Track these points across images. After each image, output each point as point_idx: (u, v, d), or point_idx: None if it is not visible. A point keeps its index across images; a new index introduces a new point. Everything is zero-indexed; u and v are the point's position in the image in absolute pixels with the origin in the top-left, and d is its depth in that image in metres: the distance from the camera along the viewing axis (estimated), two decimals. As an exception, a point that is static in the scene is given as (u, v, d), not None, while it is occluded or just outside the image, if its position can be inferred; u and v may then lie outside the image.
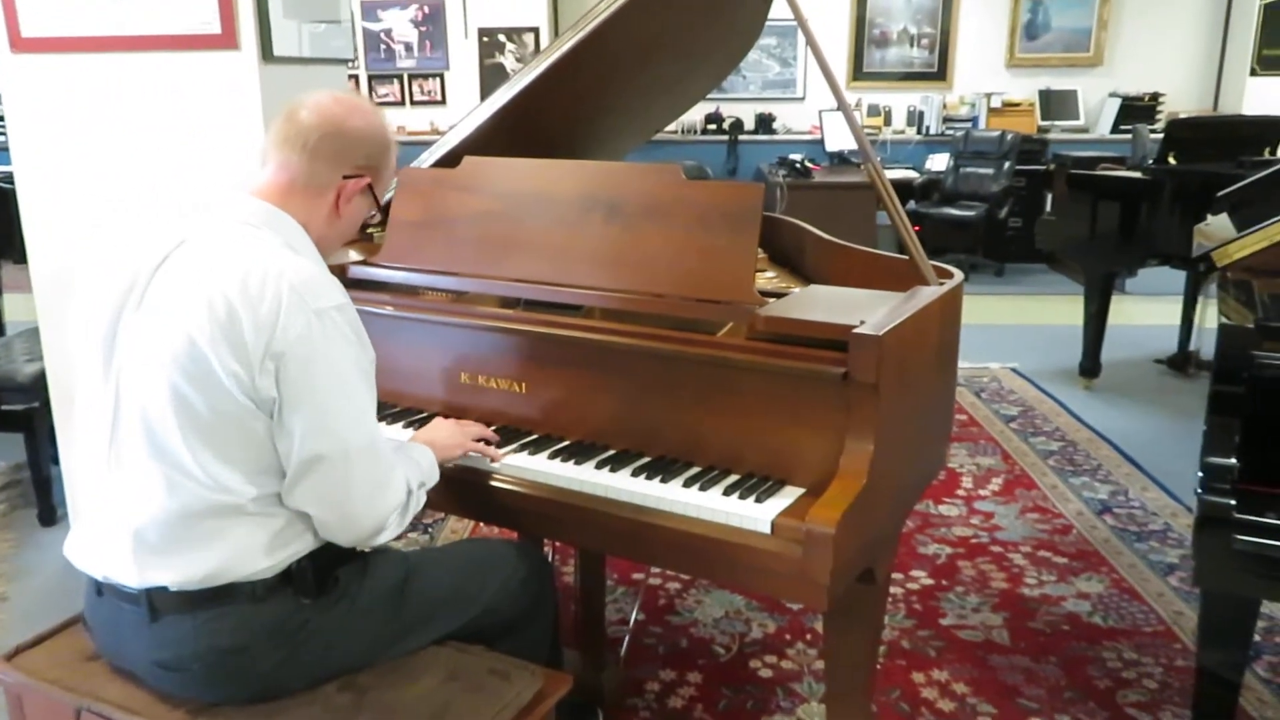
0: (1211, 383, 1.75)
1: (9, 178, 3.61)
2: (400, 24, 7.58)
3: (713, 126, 7.65)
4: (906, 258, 1.76)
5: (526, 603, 1.66)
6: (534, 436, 1.75)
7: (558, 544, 2.63)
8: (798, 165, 6.59)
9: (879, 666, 2.29)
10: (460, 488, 1.69)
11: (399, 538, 2.85)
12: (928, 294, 1.65)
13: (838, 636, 1.78)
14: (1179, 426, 4.10)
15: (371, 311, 1.87)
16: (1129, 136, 6.66)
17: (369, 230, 2.21)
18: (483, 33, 7.50)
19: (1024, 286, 6.90)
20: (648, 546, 1.58)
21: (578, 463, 1.64)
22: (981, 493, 3.47)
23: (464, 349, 1.84)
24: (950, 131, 7.46)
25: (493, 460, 1.67)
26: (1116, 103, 7.32)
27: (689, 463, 1.61)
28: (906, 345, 1.53)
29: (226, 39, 2.52)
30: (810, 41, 1.81)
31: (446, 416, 1.78)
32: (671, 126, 3.68)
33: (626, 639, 2.51)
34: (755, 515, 1.45)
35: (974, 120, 7.51)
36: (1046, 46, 7.53)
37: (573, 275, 1.76)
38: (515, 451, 1.70)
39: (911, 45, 7.63)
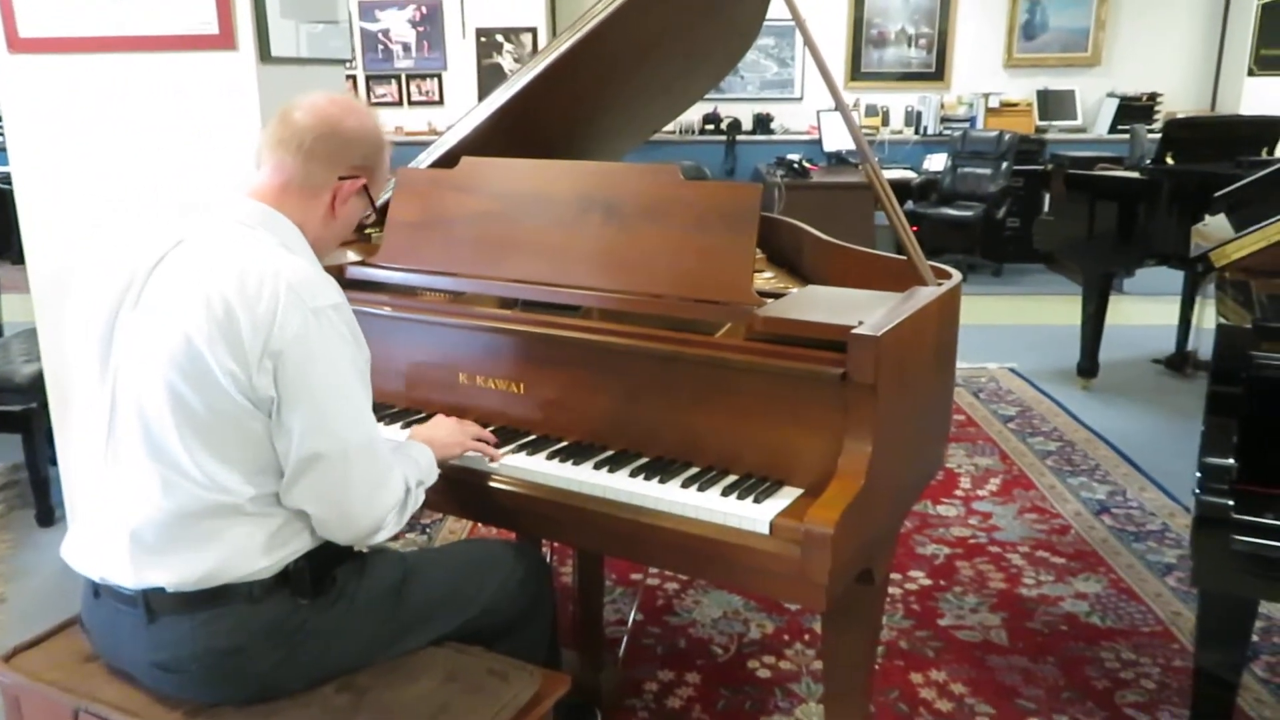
0: (1209, 383, 1.75)
1: (6, 178, 3.60)
2: (398, 24, 7.58)
3: (710, 127, 7.65)
4: (904, 258, 1.76)
5: (525, 603, 1.66)
6: (532, 437, 1.75)
7: (556, 544, 2.62)
8: (796, 165, 6.59)
9: (877, 667, 2.29)
10: (458, 488, 1.69)
11: (396, 538, 2.85)
12: (926, 294, 1.65)
13: (836, 637, 1.78)
14: (1177, 427, 4.11)
15: (370, 312, 1.86)
16: (1127, 136, 6.65)
17: (367, 231, 2.21)
18: (480, 33, 7.50)
19: (1022, 287, 6.90)
20: (646, 547, 1.58)
21: (576, 463, 1.64)
22: (979, 493, 3.47)
23: (462, 349, 1.84)
24: (948, 132, 7.46)
25: (491, 460, 1.67)
26: (1114, 103, 7.32)
27: (687, 463, 1.61)
28: (905, 346, 1.53)
29: (224, 39, 2.52)
30: (808, 42, 1.81)
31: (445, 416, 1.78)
32: (669, 127, 3.67)
33: (625, 639, 2.51)
34: (754, 516, 1.45)
35: (972, 120, 7.51)
36: (1044, 46, 7.54)
37: (571, 276, 1.76)
38: (513, 452, 1.70)
39: (909, 45, 7.63)
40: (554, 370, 1.75)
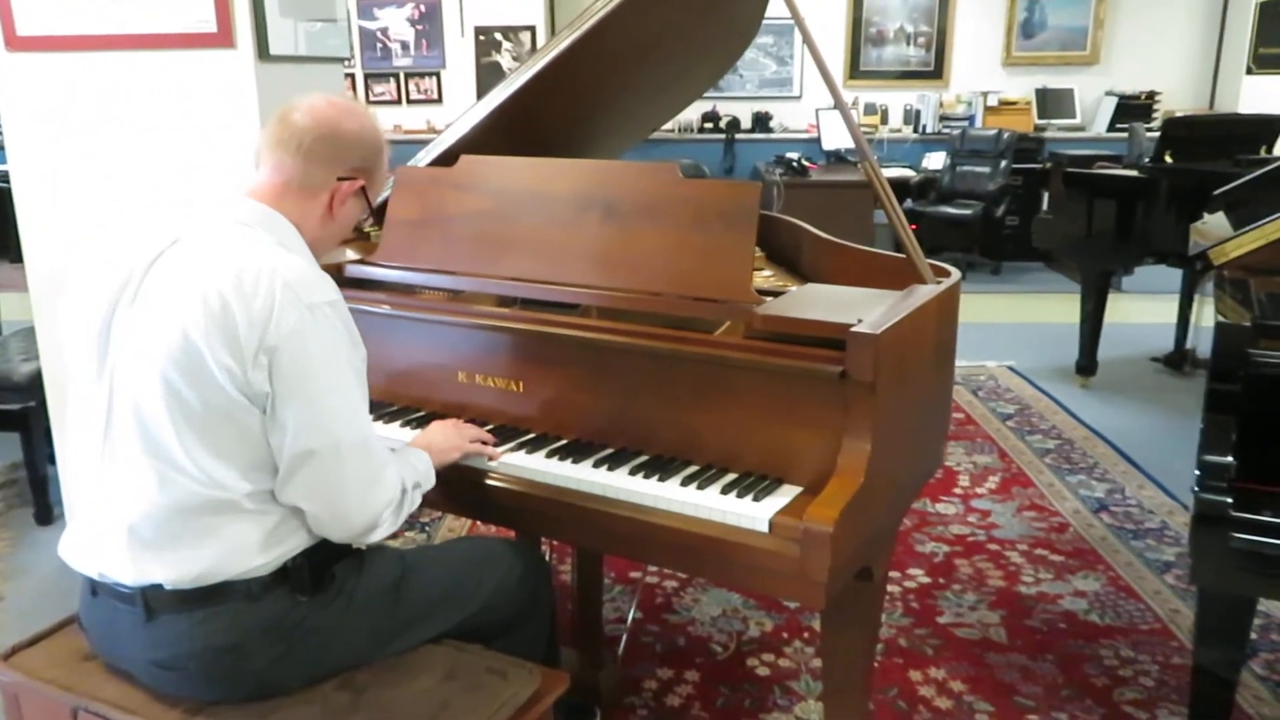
0: (1208, 381, 1.75)
1: (5, 176, 3.59)
2: (396, 22, 7.57)
3: (709, 125, 7.65)
4: (903, 256, 1.76)
5: (524, 601, 1.66)
6: (531, 435, 1.75)
7: (555, 542, 2.63)
8: (795, 164, 6.59)
9: (876, 664, 2.29)
10: (458, 486, 1.69)
11: (395, 536, 2.85)
12: (925, 292, 1.65)
13: (835, 635, 1.78)
14: (1175, 425, 4.11)
15: (368, 310, 1.87)
16: (1125, 135, 6.66)
17: (366, 229, 2.21)
18: (479, 31, 7.49)
19: (1021, 285, 6.91)
20: (645, 545, 1.58)
21: (575, 461, 1.64)
22: (978, 491, 3.47)
23: (461, 348, 1.84)
24: (947, 130, 7.46)
25: (490, 459, 1.67)
26: (1113, 101, 7.33)
27: (687, 461, 1.61)
28: (904, 344, 1.53)
29: (222, 37, 2.52)
30: (807, 40, 1.81)
31: (444, 416, 1.78)
32: (668, 125, 3.68)
33: (624, 637, 2.51)
34: (753, 514, 1.45)
35: (970, 119, 7.51)
36: (1043, 45, 7.54)
37: (570, 274, 1.76)
38: (513, 450, 1.69)
39: (908, 44, 7.63)
40: (553, 368, 1.75)
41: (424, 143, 2.17)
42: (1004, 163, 7.01)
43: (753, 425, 1.56)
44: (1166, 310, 4.95)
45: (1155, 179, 4.19)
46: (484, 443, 1.69)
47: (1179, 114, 6.49)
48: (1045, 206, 6.77)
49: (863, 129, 6.17)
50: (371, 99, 7.65)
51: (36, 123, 2.65)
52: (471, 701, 1.43)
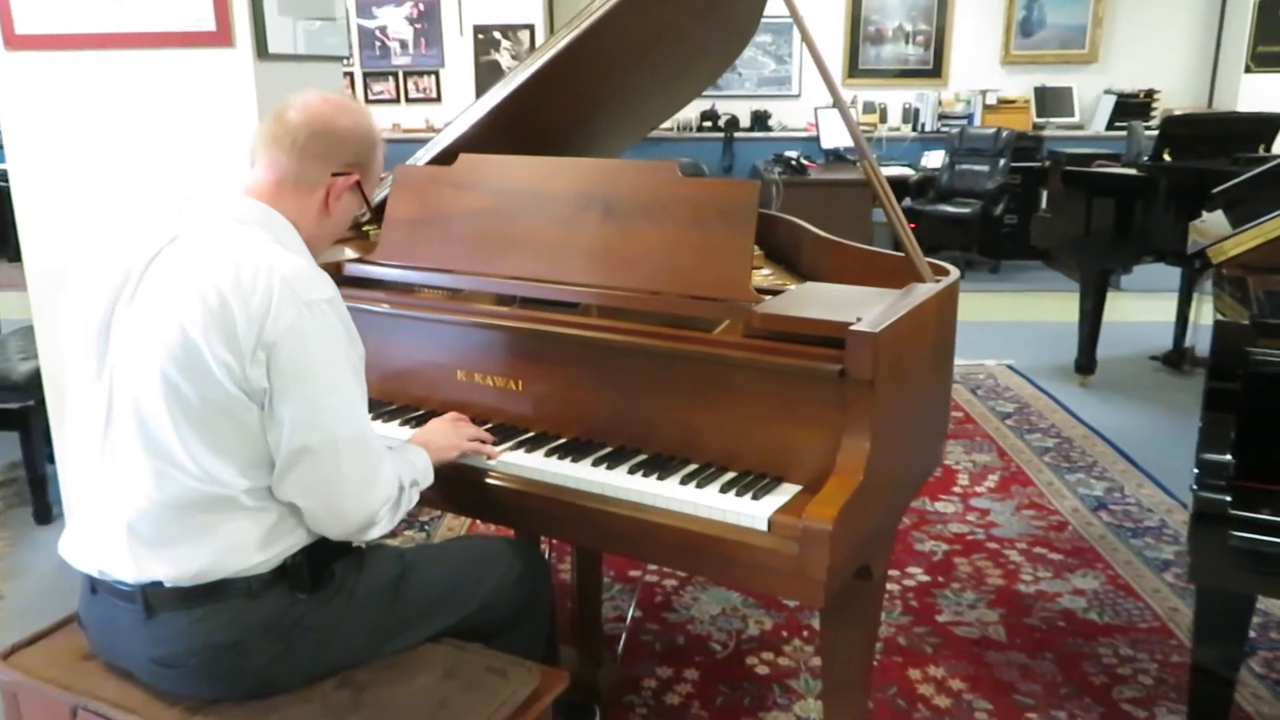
0: (1207, 379, 1.75)
1: (3, 175, 3.58)
2: (395, 21, 7.57)
3: (708, 124, 7.65)
4: (902, 255, 1.76)
5: (523, 600, 1.66)
6: (530, 434, 1.75)
7: (554, 541, 2.63)
8: (793, 162, 6.59)
9: (875, 663, 2.29)
10: (457, 485, 1.69)
11: (394, 534, 2.84)
12: (924, 291, 1.65)
13: (834, 633, 1.78)
14: (1174, 423, 4.11)
15: (367, 309, 1.87)
16: (1124, 133, 6.66)
17: (365, 228, 2.21)
18: (478, 30, 7.49)
19: (1019, 283, 6.91)
20: (644, 543, 1.58)
21: (574, 460, 1.64)
22: (977, 489, 3.47)
23: (460, 347, 1.84)
24: (946, 128, 7.46)
25: (489, 458, 1.67)
26: (1111, 100, 7.33)
27: (686, 460, 1.61)
28: (903, 342, 1.53)
29: (221, 36, 2.52)
30: (806, 38, 1.80)
31: (442, 415, 1.78)
32: (667, 124, 3.67)
33: (623, 636, 2.51)
34: (752, 512, 1.45)
35: (969, 117, 7.51)
36: (1042, 43, 7.54)
37: (569, 272, 1.76)
38: (512, 449, 1.69)
39: (907, 42, 7.63)
40: (552, 367, 1.75)
41: (423, 141, 2.17)
42: (1003, 161, 7.01)
43: (752, 424, 1.56)
44: (1165, 309, 4.95)
45: (1154, 177, 4.19)
46: (482, 442, 1.69)
47: (1177, 112, 6.49)
48: (1044, 205, 6.78)
49: (861, 127, 6.17)
50: (370, 98, 7.65)
51: (35, 121, 2.64)
52: (471, 700, 1.43)
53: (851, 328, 1.44)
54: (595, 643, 2.30)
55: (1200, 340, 4.63)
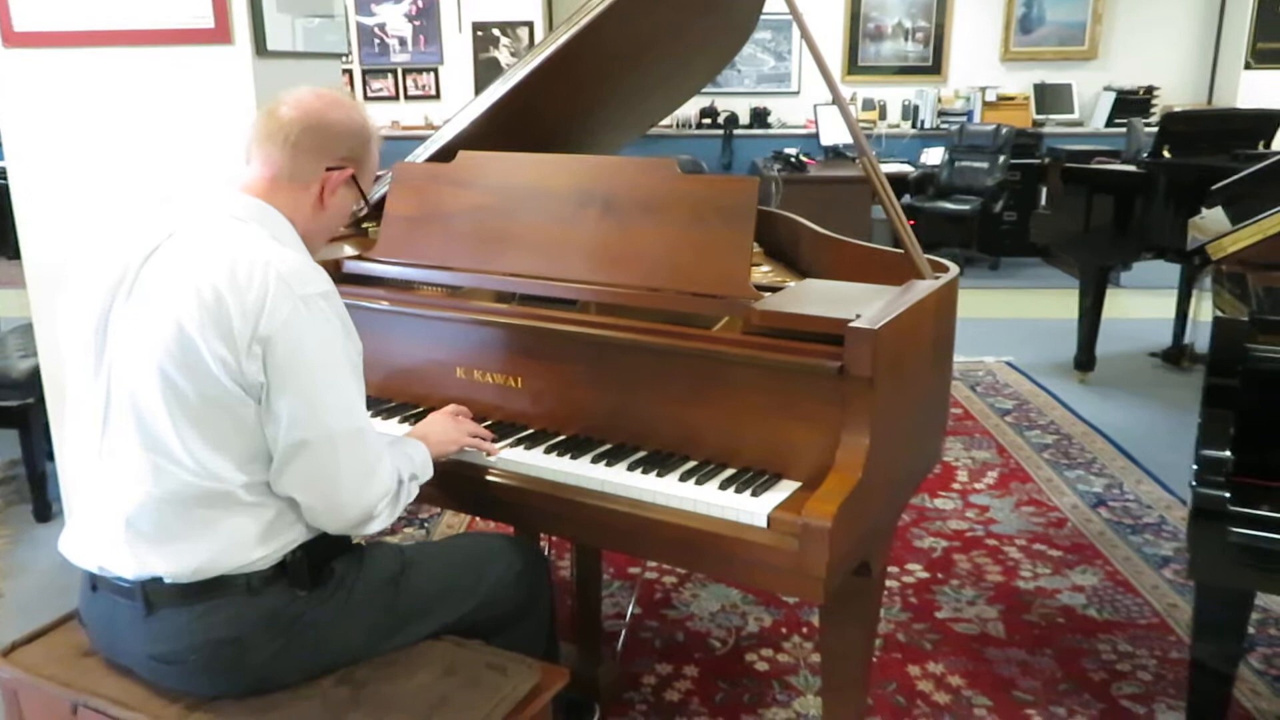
0: (1206, 376, 1.75)
1: (2, 173, 3.57)
2: (394, 18, 7.56)
3: (708, 121, 7.64)
4: (901, 252, 1.76)
5: (523, 597, 1.66)
6: (530, 431, 1.75)
7: (554, 538, 2.63)
8: (793, 159, 6.58)
9: (875, 659, 2.30)
10: (456, 482, 1.69)
11: (393, 531, 2.85)
12: (923, 288, 1.65)
13: (834, 630, 1.78)
14: (1174, 420, 4.11)
15: (366, 306, 1.87)
16: (1124, 130, 6.66)
17: (363, 225, 2.21)
18: (477, 27, 7.48)
19: (1019, 280, 6.91)
20: (644, 540, 1.58)
21: (574, 457, 1.64)
22: (977, 486, 3.47)
23: (459, 344, 1.84)
24: (945, 125, 7.45)
25: (489, 454, 1.67)
26: (1111, 96, 7.33)
27: (685, 457, 1.61)
28: (902, 339, 1.53)
29: (220, 33, 2.51)
30: (805, 35, 1.80)
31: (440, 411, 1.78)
32: (666, 121, 3.67)
33: (623, 633, 2.51)
34: (751, 509, 1.45)
35: (969, 114, 7.50)
36: (1041, 40, 7.54)
37: (568, 270, 1.76)
38: (511, 446, 1.70)
39: (906, 39, 7.63)
40: (551, 364, 1.75)
41: (422, 139, 2.17)
42: (1002, 158, 7.01)
43: (751, 420, 1.56)
44: (1165, 305, 4.95)
45: (1153, 174, 4.19)
46: (481, 439, 1.69)
47: (1177, 109, 6.49)
48: (1043, 202, 6.79)
49: (861, 124, 6.17)
50: (369, 95, 7.64)
51: (34, 119, 2.64)
52: (471, 697, 1.43)
53: (851, 324, 1.44)
54: (595, 639, 2.30)
55: (1199, 337, 4.62)
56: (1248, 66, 6.95)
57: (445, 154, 1.99)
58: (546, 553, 2.05)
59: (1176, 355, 4.81)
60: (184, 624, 1.37)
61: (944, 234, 7.03)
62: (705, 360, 1.59)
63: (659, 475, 1.56)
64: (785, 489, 1.50)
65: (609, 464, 1.60)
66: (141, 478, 1.36)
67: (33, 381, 3.03)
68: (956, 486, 3.47)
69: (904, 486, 1.81)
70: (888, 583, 2.74)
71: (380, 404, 1.88)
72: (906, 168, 7.31)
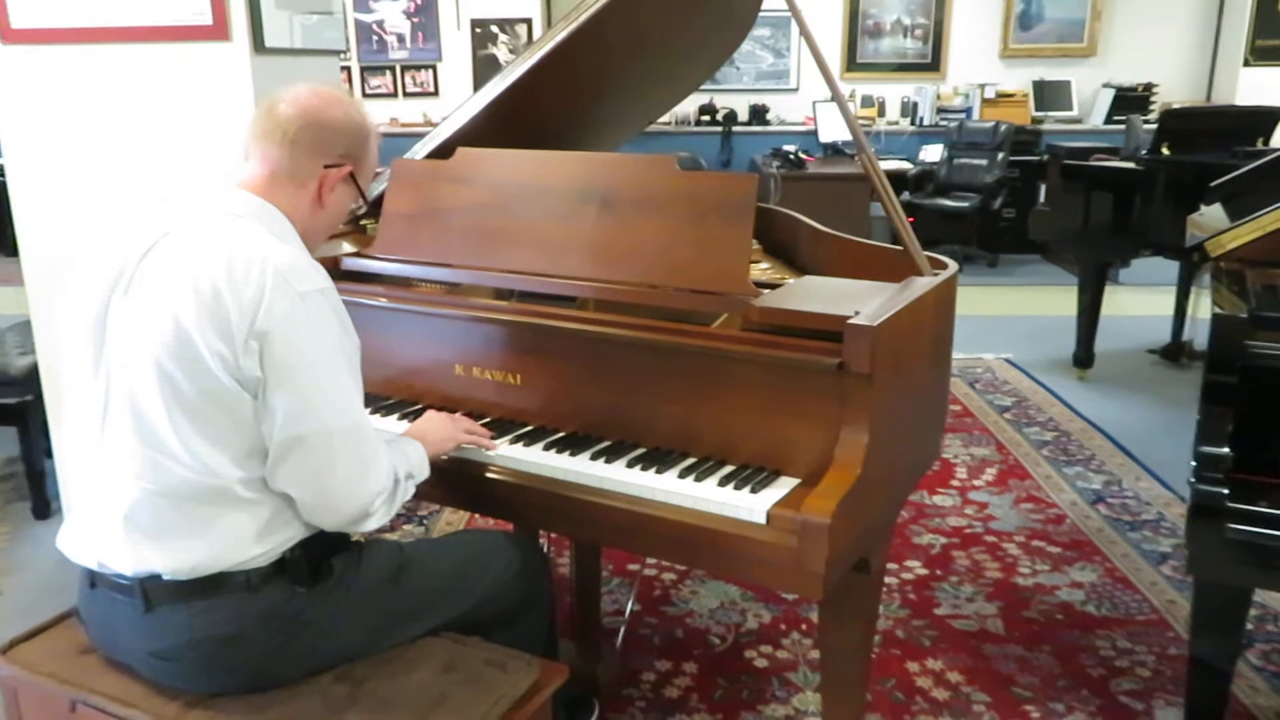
0: (1205, 373, 1.75)
1: (0, 170, 3.56)
2: (392, 15, 7.56)
3: (706, 118, 7.64)
4: (901, 248, 1.76)
5: (522, 594, 1.66)
6: (529, 428, 1.75)
7: (553, 535, 2.63)
8: (792, 156, 6.58)
9: (874, 656, 2.30)
10: (455, 479, 1.69)
11: (392, 529, 2.85)
12: (922, 285, 1.65)
13: (833, 626, 1.79)
14: (1172, 417, 4.11)
15: (365, 303, 1.86)
16: (1123, 127, 6.66)
17: (362, 223, 2.21)
18: (475, 24, 7.48)
19: (1018, 277, 6.91)
20: (643, 537, 1.58)
21: (573, 454, 1.64)
22: (975, 483, 3.48)
23: (458, 341, 1.84)
24: (944, 122, 7.46)
25: (486, 450, 1.67)
26: (1110, 93, 7.33)
27: (684, 454, 1.62)
28: (901, 336, 1.53)
29: (218, 30, 2.51)
30: (804, 32, 1.80)
31: (440, 409, 1.78)
32: (665, 118, 3.66)
33: (622, 630, 2.51)
34: (750, 506, 1.45)
35: (968, 111, 7.51)
36: (1040, 37, 7.53)
37: (567, 266, 1.76)
38: (510, 443, 1.69)
39: (905, 36, 7.62)
40: (550, 361, 1.75)
41: (420, 136, 2.17)
42: (1001, 155, 7.01)
43: (750, 417, 1.56)
44: (1164, 302, 4.95)
45: (1152, 171, 4.19)
46: (479, 436, 1.69)
47: (1176, 106, 6.50)
48: (1042, 199, 6.77)
49: (860, 121, 6.18)
50: (367, 92, 7.64)
51: (32, 115, 2.64)
52: (470, 693, 1.43)
53: (850, 321, 1.44)
54: (594, 636, 2.30)
55: (1198, 334, 4.63)
56: (1246, 63, 6.95)
57: (444, 151, 1.99)
58: (545, 550, 2.05)
59: (1175, 352, 4.81)
60: (183, 621, 1.37)
61: (943, 231, 7.03)
62: (704, 357, 1.59)
63: (658, 472, 1.56)
64: (784, 486, 1.50)
65: (608, 461, 1.60)
66: (139, 473, 1.36)
67: (31, 379, 3.03)
68: (955, 483, 3.47)
69: (903, 483, 1.81)
70: (887, 579, 2.74)
71: (379, 401, 1.88)
72: (905, 165, 7.32)
